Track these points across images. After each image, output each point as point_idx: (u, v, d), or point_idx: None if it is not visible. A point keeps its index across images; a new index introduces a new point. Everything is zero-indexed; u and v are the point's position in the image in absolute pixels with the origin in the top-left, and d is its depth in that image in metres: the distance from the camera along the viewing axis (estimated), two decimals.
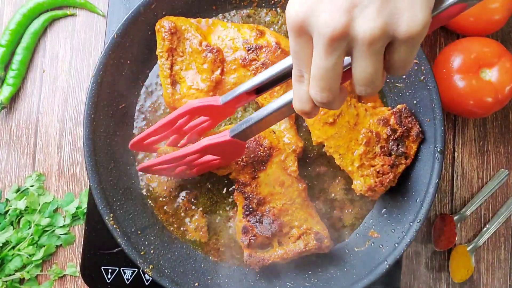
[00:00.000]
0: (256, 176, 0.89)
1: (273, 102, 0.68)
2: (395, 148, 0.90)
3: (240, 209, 0.90)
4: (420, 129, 0.90)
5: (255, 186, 0.89)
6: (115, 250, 0.98)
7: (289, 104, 0.66)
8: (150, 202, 0.96)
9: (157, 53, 0.92)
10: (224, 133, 0.75)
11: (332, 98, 0.55)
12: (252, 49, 0.90)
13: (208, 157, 0.84)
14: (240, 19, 0.99)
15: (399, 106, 0.91)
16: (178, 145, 0.89)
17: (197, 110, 0.78)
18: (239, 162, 0.89)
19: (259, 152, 0.88)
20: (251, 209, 0.88)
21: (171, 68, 0.91)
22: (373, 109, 0.92)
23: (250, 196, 0.88)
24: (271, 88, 0.72)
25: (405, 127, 0.90)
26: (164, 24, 0.90)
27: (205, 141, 0.76)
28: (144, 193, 0.96)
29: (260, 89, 0.72)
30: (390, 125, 0.90)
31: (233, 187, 0.95)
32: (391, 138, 0.89)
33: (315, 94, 0.55)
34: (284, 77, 0.69)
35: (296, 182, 0.91)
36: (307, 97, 0.57)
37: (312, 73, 0.53)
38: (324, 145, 0.92)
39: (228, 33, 0.93)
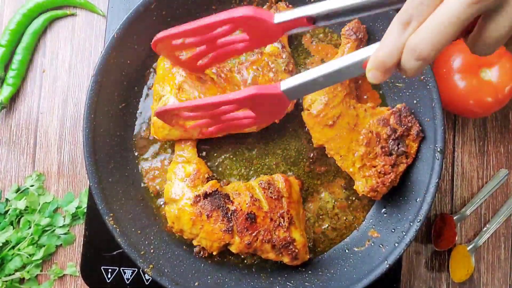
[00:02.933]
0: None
1: (337, 59, 0.61)
2: (396, 148, 0.90)
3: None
4: (420, 127, 0.90)
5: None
6: (114, 253, 0.98)
7: (358, 63, 0.59)
8: (150, 201, 0.96)
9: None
10: (275, 85, 0.66)
11: (432, 58, 0.50)
12: None
13: (240, 113, 0.77)
14: None
15: (398, 106, 0.91)
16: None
17: (246, 20, 0.68)
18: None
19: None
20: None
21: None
22: (372, 109, 0.92)
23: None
24: (332, 20, 0.64)
25: (405, 126, 0.90)
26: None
27: (252, 89, 0.68)
28: (144, 193, 0.96)
29: (319, 19, 0.64)
30: (390, 124, 0.90)
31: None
32: (391, 138, 0.89)
33: (422, 47, 0.50)
34: (351, 12, 0.62)
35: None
36: (399, 48, 0.52)
37: (431, 22, 0.49)
38: (325, 147, 0.92)
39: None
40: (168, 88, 0.90)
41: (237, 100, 0.70)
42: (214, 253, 0.89)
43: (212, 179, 0.92)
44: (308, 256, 0.92)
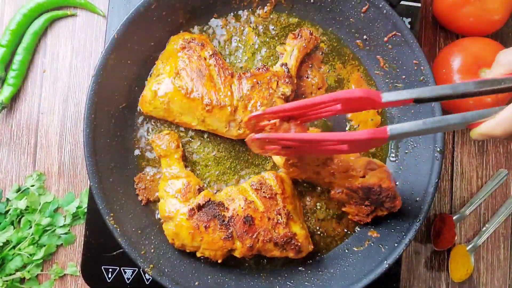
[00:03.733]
0: None
1: (452, 115, 0.67)
2: (368, 208, 0.90)
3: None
4: (392, 205, 0.88)
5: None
6: (115, 253, 0.98)
7: (464, 123, 0.67)
8: (150, 201, 0.97)
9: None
10: (383, 130, 0.68)
11: None
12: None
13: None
14: (241, 20, 1.00)
15: (371, 181, 0.88)
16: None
17: (354, 100, 0.71)
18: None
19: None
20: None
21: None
22: (344, 173, 0.90)
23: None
24: (431, 102, 0.72)
25: (375, 202, 0.89)
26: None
27: (365, 133, 0.69)
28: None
29: (421, 100, 0.69)
30: (358, 195, 0.89)
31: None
32: (363, 202, 0.90)
33: None
34: (448, 97, 0.68)
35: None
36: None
37: None
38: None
39: None
40: (168, 69, 0.91)
41: (345, 141, 0.71)
42: (219, 261, 0.89)
43: (203, 190, 0.92)
44: (312, 247, 0.92)
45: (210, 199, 0.88)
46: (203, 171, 0.97)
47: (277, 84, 0.91)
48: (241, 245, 0.87)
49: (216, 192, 0.96)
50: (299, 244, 0.88)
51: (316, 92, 0.99)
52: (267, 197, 0.89)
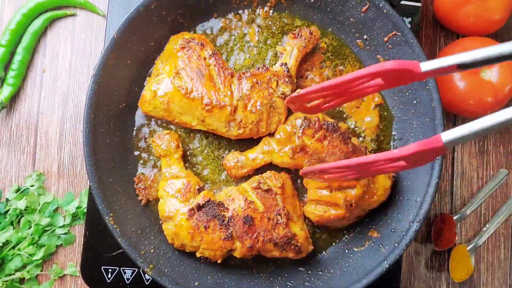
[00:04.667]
0: None
1: (499, 113, 0.61)
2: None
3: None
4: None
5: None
6: (114, 253, 0.98)
7: None
8: (150, 201, 0.96)
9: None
10: (436, 139, 0.65)
11: None
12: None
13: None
14: (240, 20, 0.99)
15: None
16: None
17: (391, 72, 0.68)
18: None
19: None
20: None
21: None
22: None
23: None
24: (476, 67, 0.66)
25: None
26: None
27: (413, 147, 0.66)
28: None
29: (464, 66, 0.65)
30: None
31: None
32: None
33: None
34: (494, 60, 0.63)
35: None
36: None
37: None
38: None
39: None
40: (168, 69, 0.91)
41: (398, 157, 0.68)
42: (219, 261, 0.89)
43: (203, 190, 0.92)
44: (312, 247, 0.92)
45: (210, 199, 0.88)
46: (203, 171, 0.97)
47: (277, 83, 0.91)
48: (241, 245, 0.87)
49: (216, 192, 0.96)
50: (299, 244, 0.88)
51: (311, 68, 0.99)
52: (267, 197, 0.89)
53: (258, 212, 0.88)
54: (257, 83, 0.90)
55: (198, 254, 0.90)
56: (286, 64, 0.93)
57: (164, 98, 0.90)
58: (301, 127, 0.89)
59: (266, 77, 0.91)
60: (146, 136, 0.98)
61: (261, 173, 0.93)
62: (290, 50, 0.95)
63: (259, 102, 0.90)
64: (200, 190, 0.91)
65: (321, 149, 0.88)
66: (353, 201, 0.89)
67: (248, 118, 0.90)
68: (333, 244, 0.97)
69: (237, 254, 0.88)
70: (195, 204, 0.88)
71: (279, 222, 0.88)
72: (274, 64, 0.98)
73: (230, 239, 0.86)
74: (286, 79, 0.91)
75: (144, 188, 0.96)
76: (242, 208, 0.87)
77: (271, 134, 0.93)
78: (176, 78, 0.90)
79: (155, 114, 0.93)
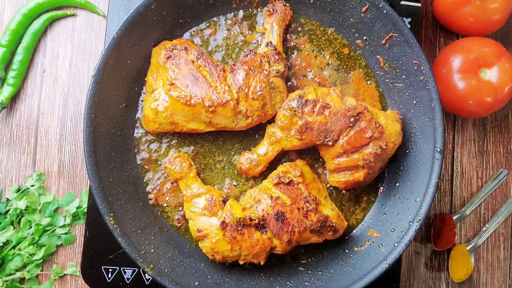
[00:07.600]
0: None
1: None
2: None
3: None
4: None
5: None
6: (115, 253, 0.98)
7: None
8: (150, 201, 0.97)
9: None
10: None
11: None
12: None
13: None
14: (239, 20, 1.00)
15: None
16: None
17: None
18: None
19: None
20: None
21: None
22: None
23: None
24: None
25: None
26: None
27: None
28: (144, 192, 0.97)
29: None
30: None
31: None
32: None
33: None
34: None
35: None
36: None
37: None
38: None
39: None
40: (161, 82, 0.91)
41: None
42: (262, 263, 0.90)
43: (227, 200, 0.92)
44: (346, 223, 0.92)
45: (239, 218, 0.87)
46: (220, 181, 0.98)
47: (269, 64, 0.91)
48: (279, 241, 0.87)
49: (240, 196, 0.96)
50: (334, 224, 0.89)
51: (312, 68, 0.99)
52: (291, 188, 0.89)
53: (287, 205, 0.88)
54: (250, 69, 0.90)
55: (241, 262, 0.90)
56: (271, 42, 0.93)
57: (167, 113, 0.90)
58: (299, 107, 0.89)
59: (256, 61, 0.91)
60: (146, 136, 0.98)
61: (275, 167, 0.94)
62: (271, 28, 0.96)
63: (258, 87, 0.90)
64: (224, 200, 0.92)
65: (324, 121, 0.89)
66: (372, 158, 0.89)
67: (252, 105, 0.90)
68: (333, 243, 0.97)
69: (278, 251, 0.89)
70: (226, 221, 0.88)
71: (309, 209, 0.88)
72: (260, 46, 0.98)
73: (268, 239, 0.87)
74: (276, 57, 0.92)
75: (159, 190, 0.97)
76: (270, 206, 0.88)
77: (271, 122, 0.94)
78: (172, 89, 0.89)
79: (161, 130, 0.93)
